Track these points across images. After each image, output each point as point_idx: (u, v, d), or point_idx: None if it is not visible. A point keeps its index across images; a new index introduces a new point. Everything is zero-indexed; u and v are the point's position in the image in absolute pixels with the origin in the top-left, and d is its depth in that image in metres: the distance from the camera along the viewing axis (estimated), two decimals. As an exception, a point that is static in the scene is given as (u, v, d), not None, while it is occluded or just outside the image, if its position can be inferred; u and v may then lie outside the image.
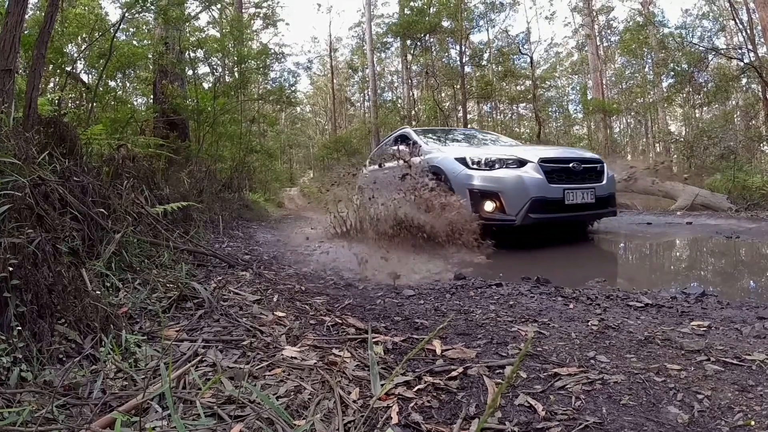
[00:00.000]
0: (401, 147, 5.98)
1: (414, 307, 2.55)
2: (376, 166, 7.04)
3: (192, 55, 10.35)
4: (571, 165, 5.07)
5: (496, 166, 5.03)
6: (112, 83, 9.13)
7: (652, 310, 2.39)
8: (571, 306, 2.49)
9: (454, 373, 1.55)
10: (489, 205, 4.89)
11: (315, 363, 1.61)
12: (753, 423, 1.19)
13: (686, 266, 4.33)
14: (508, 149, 5.72)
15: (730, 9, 15.48)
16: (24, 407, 1.18)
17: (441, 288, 3.08)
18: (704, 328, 2.02)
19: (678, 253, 5.14)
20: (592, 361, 1.65)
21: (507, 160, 5.05)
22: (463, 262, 4.25)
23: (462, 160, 5.14)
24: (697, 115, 20.71)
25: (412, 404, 1.34)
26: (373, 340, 1.85)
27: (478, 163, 5.05)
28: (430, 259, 4.24)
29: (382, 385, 1.41)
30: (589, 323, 2.12)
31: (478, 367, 1.60)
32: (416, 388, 1.45)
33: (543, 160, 4.97)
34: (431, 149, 5.89)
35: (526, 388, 1.45)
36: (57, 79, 8.57)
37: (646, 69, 22.38)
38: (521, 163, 5.00)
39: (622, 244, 5.60)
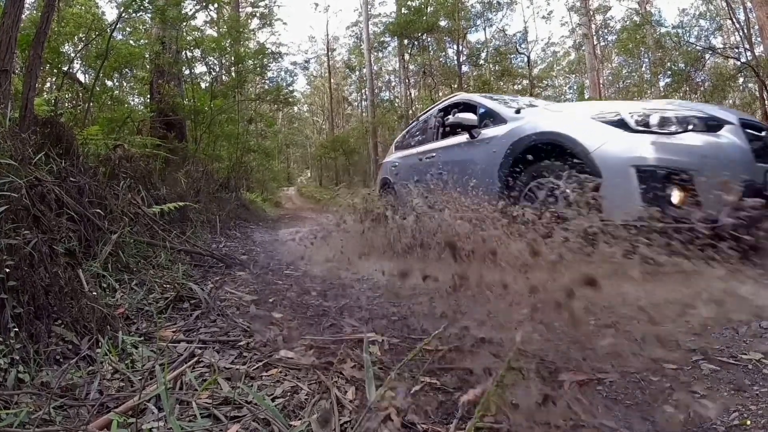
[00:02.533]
0: (462, 115, 4.39)
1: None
2: (410, 151, 5.90)
3: (189, 54, 10.33)
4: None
5: (680, 127, 3.07)
6: (109, 83, 9.11)
7: None
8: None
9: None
10: (676, 195, 2.93)
11: (312, 363, 1.62)
12: (749, 423, 1.20)
13: None
14: (673, 104, 3.58)
15: (727, 8, 15.54)
16: (21, 408, 1.19)
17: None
18: None
19: None
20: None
21: (694, 118, 3.08)
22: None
23: (613, 120, 3.15)
24: (695, 115, 20.71)
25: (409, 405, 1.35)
26: (369, 339, 1.86)
27: (646, 123, 3.05)
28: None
29: (379, 385, 1.42)
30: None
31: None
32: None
33: (745, 123, 3.16)
34: (521, 114, 4.04)
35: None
36: (54, 79, 8.55)
37: (644, 68, 22.44)
38: (715, 124, 3.08)
39: None
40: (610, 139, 3.10)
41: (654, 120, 3.06)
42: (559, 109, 4.02)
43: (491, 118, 4.29)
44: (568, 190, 3.08)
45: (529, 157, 3.54)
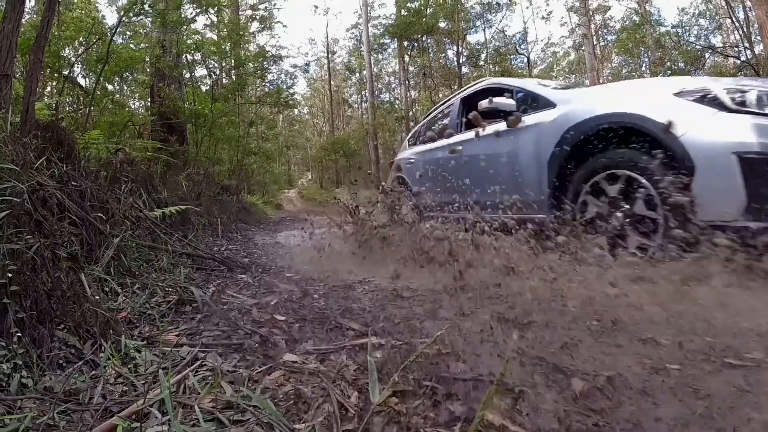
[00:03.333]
0: (499, 100, 3.79)
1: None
2: (429, 146, 5.27)
3: (189, 58, 10.36)
4: None
5: None
6: (109, 87, 9.13)
7: None
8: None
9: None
10: None
11: (315, 367, 1.61)
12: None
13: None
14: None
15: (726, 7, 15.54)
16: (25, 414, 1.19)
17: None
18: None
19: None
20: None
21: None
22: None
23: (704, 98, 2.59)
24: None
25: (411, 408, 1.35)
26: (373, 342, 1.85)
27: (743, 101, 2.48)
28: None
29: (382, 389, 1.42)
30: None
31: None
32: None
33: None
34: (570, 95, 3.46)
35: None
36: (54, 84, 8.57)
37: (643, 68, 22.45)
38: None
39: None
40: (703, 121, 2.54)
41: (752, 97, 2.50)
42: (622, 88, 3.40)
43: (533, 102, 3.70)
44: (650, 186, 2.62)
45: (591, 146, 3.01)
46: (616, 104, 2.95)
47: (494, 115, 3.93)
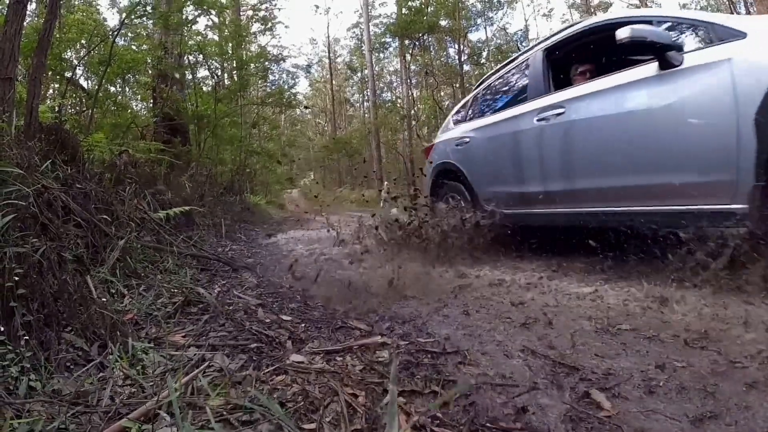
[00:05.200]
0: (645, 28, 2.54)
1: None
2: (497, 117, 3.95)
3: (191, 59, 10.37)
4: None
5: None
6: (112, 89, 9.15)
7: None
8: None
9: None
10: None
11: (322, 367, 1.61)
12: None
13: None
14: None
15: (727, 3, 15.46)
16: (34, 417, 1.19)
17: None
18: None
19: None
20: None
21: None
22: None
23: None
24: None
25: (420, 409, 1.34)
26: (380, 342, 1.85)
27: None
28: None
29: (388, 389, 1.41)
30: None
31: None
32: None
33: None
34: (764, 22, 2.40)
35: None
36: (57, 86, 8.59)
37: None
38: None
39: None
40: None
41: None
42: None
43: (695, 33, 2.60)
44: None
45: None
46: None
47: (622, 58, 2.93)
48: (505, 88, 4.29)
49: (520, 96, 3.86)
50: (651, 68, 2.61)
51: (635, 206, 2.65)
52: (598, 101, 2.91)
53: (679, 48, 2.52)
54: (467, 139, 4.30)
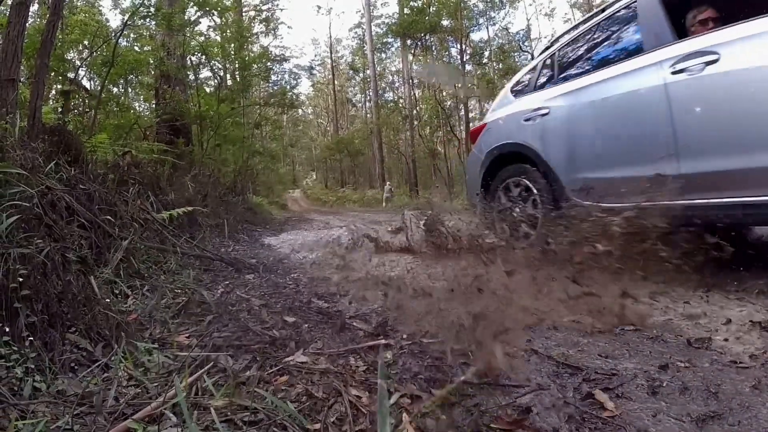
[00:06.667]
0: None
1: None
2: (585, 80, 3.06)
3: (194, 60, 10.39)
4: None
5: None
6: (114, 89, 9.17)
7: None
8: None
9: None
10: None
11: (326, 367, 1.61)
12: None
13: None
14: None
15: (731, 1, 15.42)
16: (39, 418, 1.19)
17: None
18: None
19: None
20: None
21: None
22: None
23: None
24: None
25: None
26: (383, 344, 1.85)
27: None
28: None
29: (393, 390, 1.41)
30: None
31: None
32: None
33: None
34: None
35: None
36: (59, 87, 8.61)
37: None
38: None
39: None
40: None
41: None
42: None
43: None
44: None
45: None
46: None
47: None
48: (597, 44, 3.27)
49: (625, 50, 2.93)
50: None
51: None
52: None
53: None
54: (545, 111, 3.32)
